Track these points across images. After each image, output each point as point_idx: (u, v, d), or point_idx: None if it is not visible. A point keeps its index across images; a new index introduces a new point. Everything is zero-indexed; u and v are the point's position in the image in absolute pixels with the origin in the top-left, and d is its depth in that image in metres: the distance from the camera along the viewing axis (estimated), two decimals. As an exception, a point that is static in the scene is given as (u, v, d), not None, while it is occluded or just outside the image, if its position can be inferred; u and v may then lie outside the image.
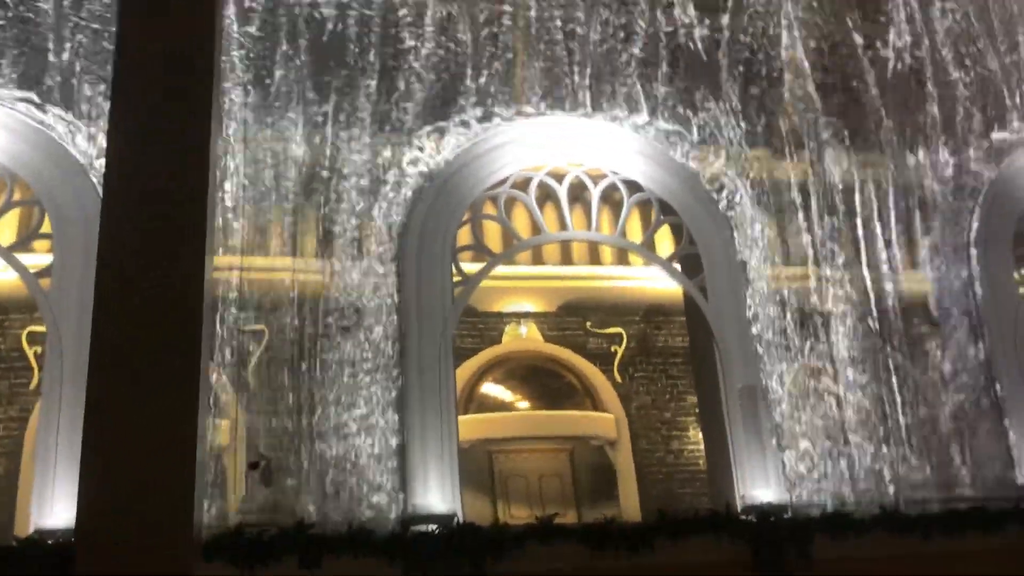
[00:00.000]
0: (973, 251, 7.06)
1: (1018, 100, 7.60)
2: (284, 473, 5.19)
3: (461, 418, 6.25)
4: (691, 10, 7.13)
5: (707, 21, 7.14)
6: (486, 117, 6.46)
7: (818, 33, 7.39)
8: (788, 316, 6.48)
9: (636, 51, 6.95)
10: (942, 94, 7.48)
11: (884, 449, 6.28)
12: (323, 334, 5.61)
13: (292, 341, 5.54)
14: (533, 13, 6.88)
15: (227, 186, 5.82)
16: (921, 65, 7.53)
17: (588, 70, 6.82)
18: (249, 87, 6.18)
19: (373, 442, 5.45)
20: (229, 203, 5.79)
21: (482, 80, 6.57)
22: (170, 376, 2.95)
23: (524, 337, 9.29)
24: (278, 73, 6.28)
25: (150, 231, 3.17)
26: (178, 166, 3.24)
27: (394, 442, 5.47)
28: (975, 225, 7.13)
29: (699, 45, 7.08)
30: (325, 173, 6.09)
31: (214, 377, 5.05)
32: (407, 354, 5.68)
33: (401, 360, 5.66)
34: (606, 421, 9.06)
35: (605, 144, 6.74)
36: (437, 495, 5.43)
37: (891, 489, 6.12)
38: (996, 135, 7.44)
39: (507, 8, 6.85)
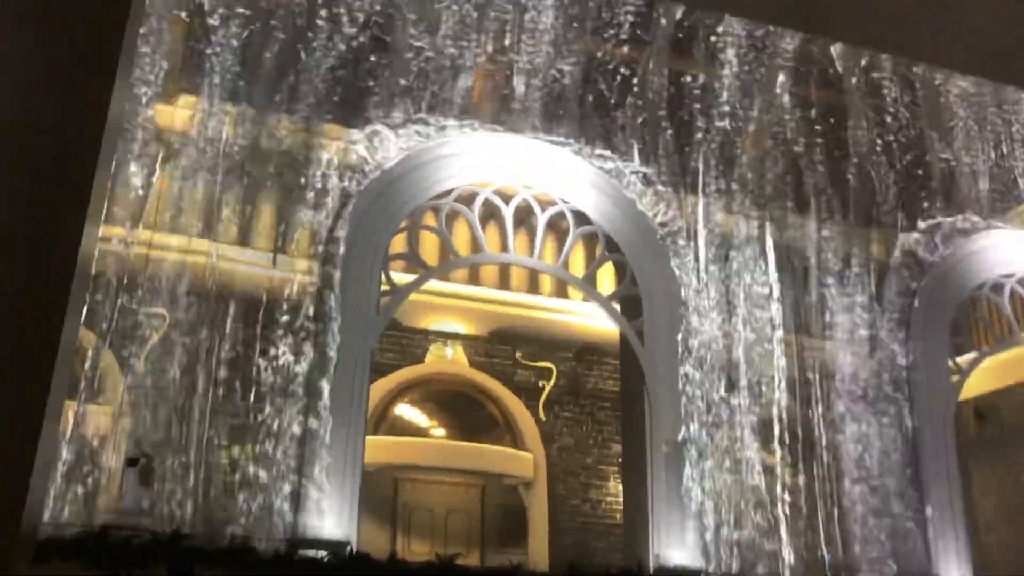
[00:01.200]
0: (911, 333, 7.25)
1: (963, 189, 7.96)
2: (166, 474, 4.95)
3: (369, 439, 6.12)
4: (660, 57, 7.34)
5: (677, 70, 7.37)
6: (438, 125, 6.46)
7: (779, 102, 7.67)
8: (722, 374, 6.56)
9: (603, 87, 7.12)
10: (892, 176, 7.79)
11: (800, 525, 6.37)
12: (231, 328, 5.45)
13: (195, 331, 5.35)
14: (499, 30, 6.99)
15: (150, 158, 5.70)
16: (870, 145, 7.84)
17: (551, 96, 6.92)
18: (196, 62, 6.10)
19: (269, 452, 5.26)
20: (143, 177, 5.62)
21: (439, 87, 6.59)
22: (23, 347, 2.70)
23: (449, 359, 9.20)
24: (221, 50, 6.20)
25: (26, 189, 2.95)
26: (71, 125, 3.05)
27: (293, 455, 5.29)
28: (915, 306, 7.35)
29: (667, 91, 7.26)
30: (258, 160, 6.00)
31: (100, 357, 4.83)
32: (321, 361, 5.54)
33: (313, 366, 5.50)
34: (524, 460, 9.01)
35: (558, 171, 6.78)
36: (332, 519, 5.25)
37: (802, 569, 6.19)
38: (938, 221, 7.74)
39: (472, 19, 6.94)
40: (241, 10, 6.39)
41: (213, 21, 6.28)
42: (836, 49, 7.97)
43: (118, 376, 5.02)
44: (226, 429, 5.23)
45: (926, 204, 7.82)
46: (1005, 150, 8.30)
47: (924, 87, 8.24)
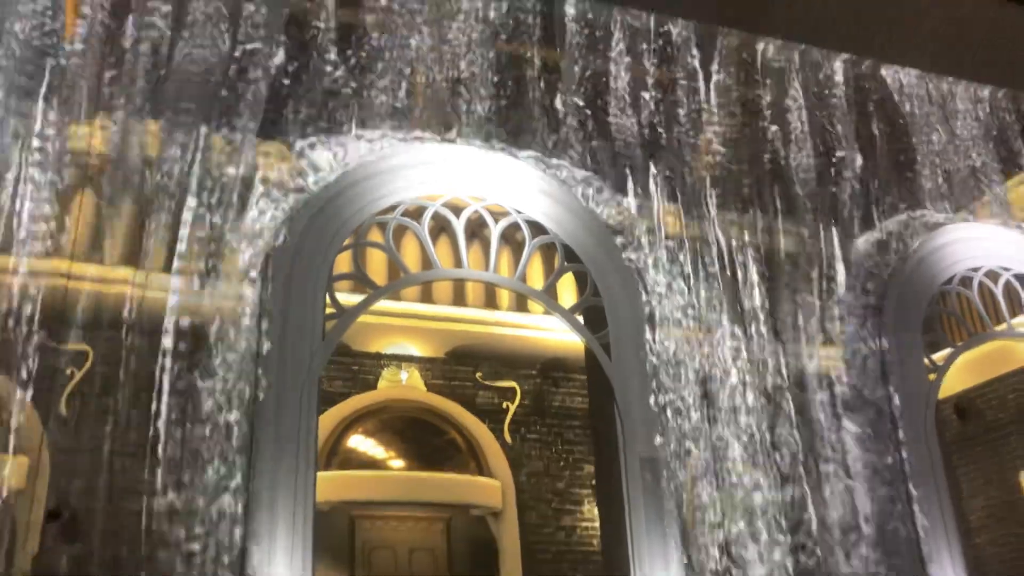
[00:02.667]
0: (884, 333, 7.34)
1: (925, 184, 8.15)
2: (92, 527, 4.77)
3: (321, 474, 6.00)
4: (616, 54, 7.47)
5: (629, 68, 7.46)
6: (379, 136, 6.44)
7: (734, 97, 7.79)
8: (695, 384, 6.57)
9: (550, 91, 7.16)
10: (858, 171, 7.95)
11: (787, 540, 6.33)
12: (161, 363, 5.27)
13: (121, 368, 5.19)
14: (447, 34, 7.04)
15: (62, 175, 5.55)
16: (834, 139, 8.01)
17: (497, 101, 6.94)
18: (111, 68, 6.02)
19: (209, 496, 5.08)
20: (51, 197, 5.45)
21: (378, 96, 6.60)
22: None
23: (404, 384, 9.10)
24: (138, 56, 6.12)
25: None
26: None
27: (236, 498, 5.13)
28: (885, 305, 7.45)
29: (620, 92, 7.35)
30: (182, 176, 5.89)
31: (14, 403, 4.65)
32: (263, 393, 5.39)
33: (254, 399, 5.37)
34: (491, 488, 8.91)
35: (509, 181, 6.77)
36: (283, 566, 5.09)
37: None
38: (901, 217, 7.91)
39: (413, 25, 6.97)
40: (159, 23, 6.30)
41: (129, 37, 6.19)
42: (779, 46, 8.11)
43: (35, 421, 4.83)
44: (159, 474, 5.02)
45: (888, 200, 7.96)
46: (965, 142, 8.49)
47: (876, 81, 8.42)
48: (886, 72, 8.42)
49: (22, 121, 5.67)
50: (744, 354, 6.88)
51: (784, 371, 7.01)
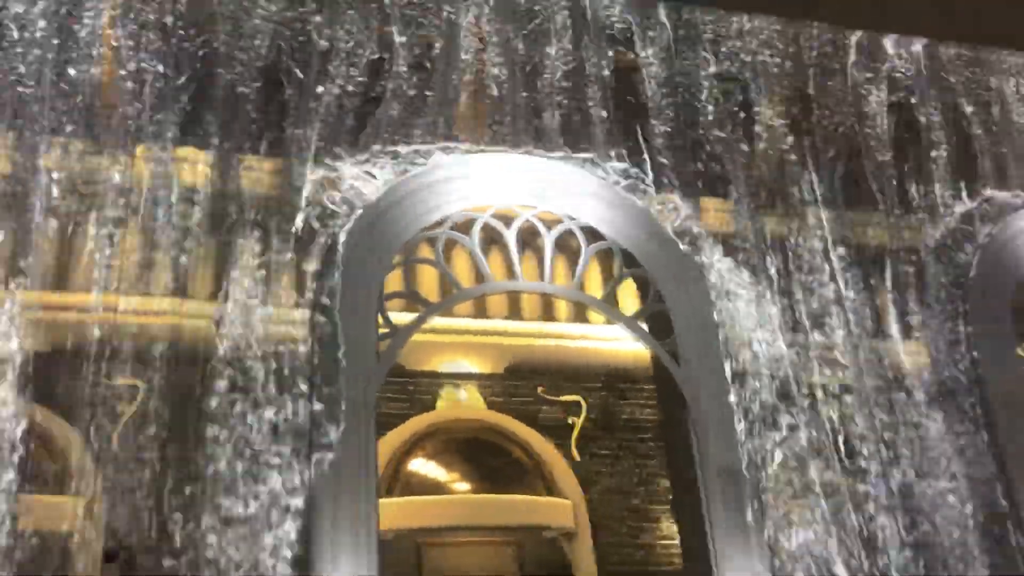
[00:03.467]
0: (969, 323, 7.24)
1: (1004, 163, 8.03)
2: (151, 568, 4.78)
3: (383, 502, 6.03)
4: (663, 51, 7.47)
5: (679, 63, 7.48)
6: (423, 149, 6.51)
7: (800, 84, 7.77)
8: (772, 388, 6.47)
9: (602, 90, 7.16)
10: (931, 154, 7.88)
11: (882, 556, 6.20)
12: (214, 394, 5.32)
13: (173, 402, 5.23)
14: (487, 40, 7.10)
15: (104, 211, 5.66)
16: (910, 123, 7.94)
17: (545, 106, 6.98)
18: (147, 97, 6.11)
19: (270, 531, 5.09)
20: (101, 231, 5.56)
21: (421, 109, 6.66)
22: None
23: (463, 403, 9.08)
24: (180, 83, 6.23)
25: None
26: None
27: (296, 530, 5.13)
28: (970, 294, 7.35)
29: (670, 88, 7.35)
30: (229, 203, 5.99)
31: (70, 443, 4.72)
32: (319, 421, 5.43)
33: (311, 428, 5.39)
34: (562, 508, 8.79)
35: (561, 186, 6.76)
36: (349, 598, 5.01)
37: None
38: (984, 197, 7.81)
39: (451, 35, 7.03)
40: (198, 42, 6.43)
41: (168, 65, 6.29)
42: (838, 32, 8.10)
43: (88, 460, 4.88)
44: (217, 511, 5.02)
45: (963, 183, 7.83)
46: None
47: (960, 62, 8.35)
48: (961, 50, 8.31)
49: (61, 154, 5.77)
50: (824, 353, 6.76)
51: (868, 369, 6.87)
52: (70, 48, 6.15)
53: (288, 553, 5.10)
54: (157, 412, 5.19)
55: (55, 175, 5.68)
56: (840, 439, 6.50)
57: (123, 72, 6.23)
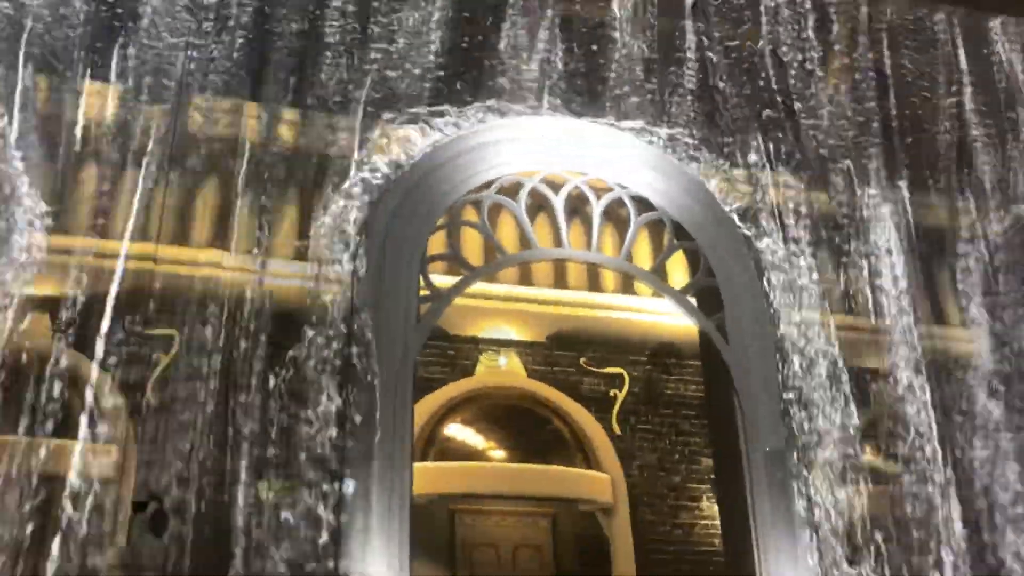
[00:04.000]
0: None
1: None
2: (181, 521, 4.76)
3: (417, 466, 5.99)
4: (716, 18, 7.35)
5: (737, 29, 7.34)
6: (473, 110, 6.44)
7: (870, 58, 7.61)
8: (823, 369, 6.35)
9: (655, 55, 7.07)
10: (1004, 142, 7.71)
11: (938, 549, 6.10)
12: (249, 348, 5.32)
13: (209, 354, 5.21)
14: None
15: (144, 160, 5.66)
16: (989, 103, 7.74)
17: (599, 70, 6.90)
18: (195, 45, 6.10)
19: (300, 489, 5.10)
20: (141, 181, 5.57)
21: (470, 69, 6.60)
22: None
23: (503, 370, 9.12)
24: (225, 33, 6.22)
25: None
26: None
27: (328, 491, 5.12)
28: None
29: (727, 54, 7.23)
30: (270, 156, 5.98)
31: (104, 389, 4.76)
32: (355, 380, 5.37)
33: (345, 387, 5.35)
34: (600, 482, 8.78)
35: (612, 154, 6.69)
36: (380, 562, 5.05)
37: None
38: None
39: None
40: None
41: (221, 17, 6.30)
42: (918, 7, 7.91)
43: (121, 409, 4.93)
44: (249, 465, 5.04)
45: None
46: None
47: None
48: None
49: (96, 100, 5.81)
50: (879, 336, 6.65)
51: (926, 355, 6.72)
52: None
53: (320, 515, 5.09)
54: (191, 364, 5.18)
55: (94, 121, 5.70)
56: (894, 424, 6.41)
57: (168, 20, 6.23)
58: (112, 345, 4.89)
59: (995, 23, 8.04)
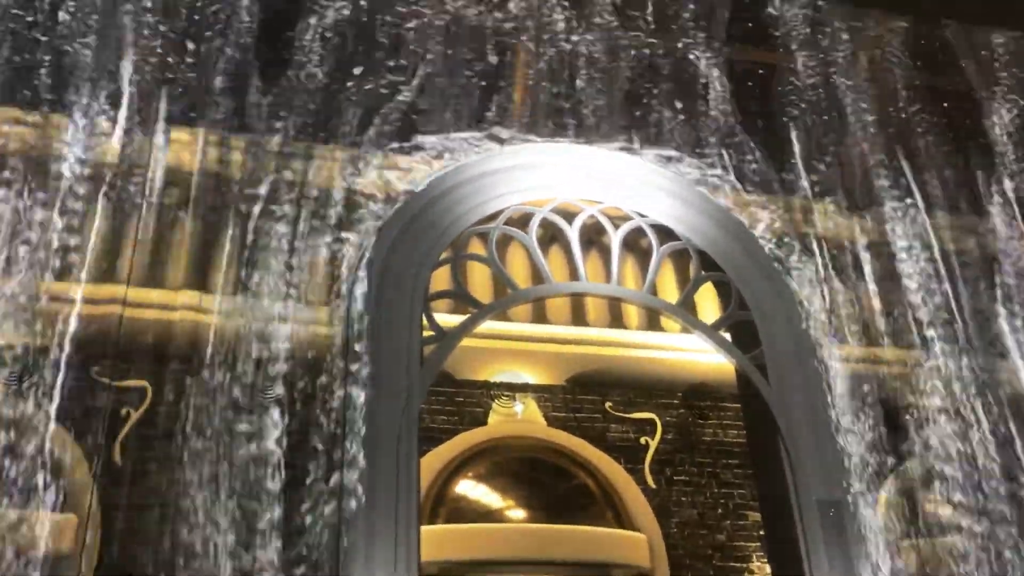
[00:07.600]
0: None
1: None
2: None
3: (425, 529, 5.88)
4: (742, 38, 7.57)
5: (759, 49, 7.62)
6: (477, 138, 6.50)
7: (901, 81, 7.80)
8: (876, 409, 6.32)
9: (676, 77, 7.22)
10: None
11: None
12: (233, 401, 5.18)
13: (186, 407, 5.08)
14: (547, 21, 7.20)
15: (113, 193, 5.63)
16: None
17: (614, 93, 7.02)
18: (170, 72, 6.15)
19: (295, 558, 4.95)
20: (105, 220, 5.53)
21: (475, 94, 6.68)
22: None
23: (519, 418, 9.14)
24: (208, 58, 6.28)
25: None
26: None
27: (326, 561, 4.98)
28: None
29: (751, 76, 7.40)
30: (256, 189, 5.95)
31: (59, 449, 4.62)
32: (353, 434, 5.27)
33: (343, 443, 5.24)
34: (635, 543, 8.68)
35: (628, 181, 6.74)
36: (384, 641, 4.81)
37: None
38: None
39: (512, 18, 7.13)
40: (233, 25, 6.49)
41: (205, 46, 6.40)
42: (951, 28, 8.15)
43: (84, 474, 4.78)
44: (232, 534, 4.88)
45: None
46: None
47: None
48: None
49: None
50: (934, 371, 6.61)
51: (991, 390, 6.68)
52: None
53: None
54: (167, 419, 5.06)
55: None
56: (961, 470, 6.30)
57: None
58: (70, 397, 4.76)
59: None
